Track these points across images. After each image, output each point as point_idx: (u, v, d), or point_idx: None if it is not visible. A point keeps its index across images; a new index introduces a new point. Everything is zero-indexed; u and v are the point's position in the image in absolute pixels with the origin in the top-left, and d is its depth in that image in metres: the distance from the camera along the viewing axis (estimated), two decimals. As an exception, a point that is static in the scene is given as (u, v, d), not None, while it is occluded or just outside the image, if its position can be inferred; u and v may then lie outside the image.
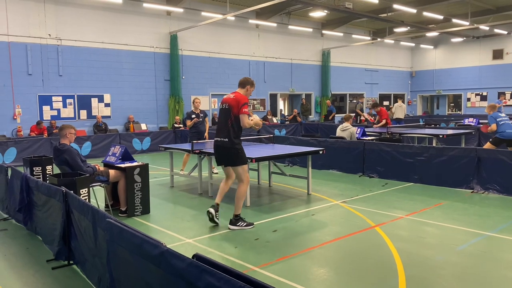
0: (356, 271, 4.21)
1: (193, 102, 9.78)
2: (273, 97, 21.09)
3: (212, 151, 7.57)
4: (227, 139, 5.42)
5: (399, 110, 18.07)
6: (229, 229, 5.53)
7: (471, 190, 7.61)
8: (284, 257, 4.56)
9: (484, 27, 19.85)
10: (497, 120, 8.97)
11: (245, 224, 5.58)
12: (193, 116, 9.59)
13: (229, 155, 5.51)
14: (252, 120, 5.56)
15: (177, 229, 5.65)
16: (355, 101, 23.16)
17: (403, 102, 18.95)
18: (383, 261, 4.43)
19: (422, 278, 3.99)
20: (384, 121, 13.36)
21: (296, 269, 4.27)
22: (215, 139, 5.62)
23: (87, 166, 5.84)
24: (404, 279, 3.94)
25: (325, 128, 16.80)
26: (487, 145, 9.12)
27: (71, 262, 4.33)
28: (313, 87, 22.52)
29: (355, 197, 7.35)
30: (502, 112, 9.23)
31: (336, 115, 22.89)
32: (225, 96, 5.67)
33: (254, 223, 5.69)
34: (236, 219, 5.58)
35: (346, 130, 10.45)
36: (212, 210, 5.61)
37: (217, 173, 9.40)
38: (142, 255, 2.73)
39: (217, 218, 5.63)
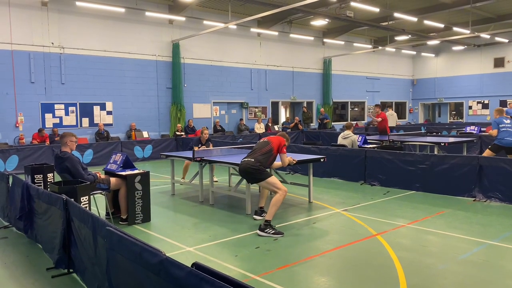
0: (357, 280, 4.18)
1: (202, 133, 9.81)
2: (275, 105, 21.13)
3: (213, 158, 7.61)
4: (252, 160, 5.82)
5: (391, 118, 18.25)
6: (258, 234, 5.57)
7: (473, 199, 7.57)
8: (285, 265, 4.53)
9: (485, 36, 19.89)
10: (500, 126, 8.88)
11: (273, 231, 5.59)
12: (200, 145, 9.64)
13: (252, 173, 5.84)
14: (288, 158, 6.18)
15: (177, 237, 5.63)
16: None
17: (393, 110, 19.28)
18: (385, 269, 4.40)
19: (424, 287, 3.96)
20: (380, 119, 13.41)
21: (297, 278, 4.24)
22: (243, 159, 6.00)
23: (88, 174, 5.85)
24: (405, 288, 3.91)
25: (327, 136, 16.80)
26: (487, 152, 9.08)
27: (71, 270, 4.31)
28: (315, 95, 22.56)
29: (357, 205, 7.33)
30: (508, 119, 9.11)
31: (338, 123, 22.96)
32: (274, 136, 6.25)
33: (283, 233, 5.64)
34: (265, 225, 5.62)
35: (347, 138, 10.44)
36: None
37: (216, 181, 9.39)
38: (141, 264, 2.72)
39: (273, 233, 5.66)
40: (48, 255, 4.78)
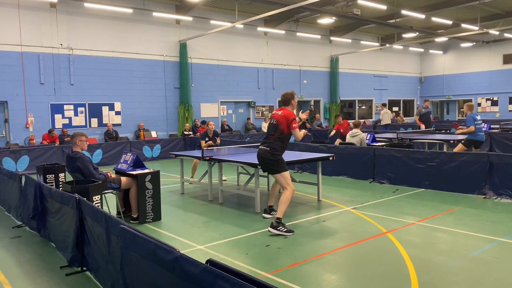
0: (368, 278, 4.19)
1: (207, 125, 9.85)
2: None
3: (222, 158, 7.65)
4: (268, 148, 5.78)
5: (386, 116, 18.26)
6: (269, 232, 5.60)
7: (483, 196, 7.53)
8: (296, 263, 4.55)
9: (494, 32, 19.73)
10: (475, 122, 9.22)
11: (285, 229, 5.61)
12: (207, 139, 9.66)
13: (269, 164, 5.84)
14: (302, 131, 5.95)
15: (188, 235, 5.68)
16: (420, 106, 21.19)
17: (388, 109, 19.52)
18: (395, 267, 4.41)
19: (435, 285, 3.96)
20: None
21: (308, 275, 4.26)
22: (259, 147, 5.97)
23: (99, 174, 5.91)
24: (417, 286, 3.91)
25: (335, 134, 16.73)
26: (459, 147, 9.37)
27: (84, 268, 4.37)
28: (322, 93, 22.52)
29: (366, 203, 7.32)
30: (479, 114, 9.65)
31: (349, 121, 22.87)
32: (273, 112, 6.07)
33: (294, 231, 5.68)
34: (277, 223, 5.63)
35: (356, 136, 10.43)
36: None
37: (225, 180, 9.42)
38: (155, 261, 2.75)
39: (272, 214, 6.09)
40: (61, 253, 4.84)
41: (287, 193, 5.76)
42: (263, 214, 6.53)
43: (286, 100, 5.99)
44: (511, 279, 4.07)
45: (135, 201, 6.26)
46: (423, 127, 13.84)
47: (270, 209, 6.55)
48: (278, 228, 5.59)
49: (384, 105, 19.44)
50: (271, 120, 5.96)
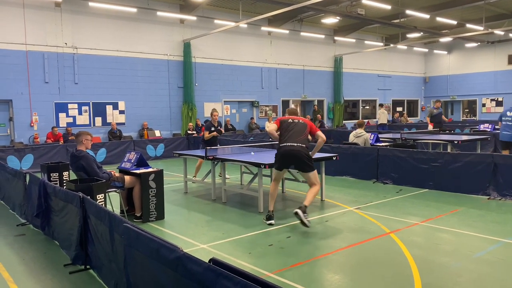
0: (371, 278, 4.18)
1: (212, 115, 9.77)
2: (286, 104, 21.10)
3: (225, 157, 7.65)
4: (304, 146, 5.95)
5: (383, 116, 18.25)
6: (296, 214, 5.64)
7: (488, 197, 7.50)
8: (299, 263, 4.55)
9: (499, 32, 19.63)
10: (503, 118, 9.90)
11: (308, 219, 5.72)
12: (212, 129, 9.61)
13: (307, 161, 5.97)
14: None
15: (191, 234, 5.68)
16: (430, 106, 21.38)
17: (385, 109, 19.74)
18: (399, 268, 4.39)
19: (439, 286, 3.94)
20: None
21: (311, 275, 4.26)
22: (290, 144, 5.93)
23: (103, 172, 5.93)
24: (420, 286, 3.90)
25: (338, 134, 16.74)
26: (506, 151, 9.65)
27: (88, 266, 4.38)
28: (326, 93, 22.49)
29: (369, 203, 7.31)
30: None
31: (349, 121, 22.87)
32: (286, 115, 6.43)
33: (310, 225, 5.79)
34: (306, 207, 5.75)
35: (360, 136, 10.40)
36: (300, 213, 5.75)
37: (228, 178, 9.42)
38: (159, 260, 2.76)
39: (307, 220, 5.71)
40: (65, 251, 4.86)
41: (318, 187, 6.09)
42: (268, 221, 6.06)
43: (295, 113, 6.53)
44: (515, 280, 4.05)
45: (138, 200, 6.27)
46: (430, 127, 13.81)
47: (270, 216, 6.12)
48: (305, 215, 5.66)
49: (381, 105, 19.55)
50: (294, 120, 6.16)
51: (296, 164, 6.08)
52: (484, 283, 4.02)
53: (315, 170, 6.08)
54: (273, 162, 6.23)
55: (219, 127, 9.75)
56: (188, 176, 8.78)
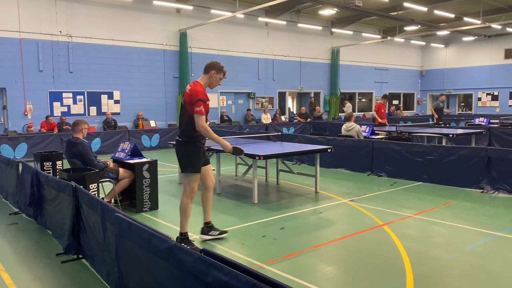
0: (363, 270, 4.20)
1: None
2: (282, 95, 21.07)
3: (220, 148, 7.61)
4: (181, 139, 4.58)
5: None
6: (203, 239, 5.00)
7: (481, 190, 7.54)
8: (291, 254, 4.56)
9: (496, 26, 19.62)
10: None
11: (218, 233, 5.06)
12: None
13: (179, 159, 4.64)
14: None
15: (185, 225, 5.66)
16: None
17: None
18: (391, 260, 4.42)
19: (430, 277, 3.97)
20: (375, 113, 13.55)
21: (303, 266, 4.27)
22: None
23: (98, 161, 5.93)
24: (412, 278, 3.92)
25: (334, 126, 16.74)
26: None
27: (80, 256, 4.37)
28: (322, 85, 22.44)
29: (363, 195, 7.33)
30: None
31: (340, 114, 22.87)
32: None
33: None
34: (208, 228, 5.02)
35: (352, 129, 10.39)
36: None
37: (214, 169, 9.40)
38: (150, 250, 2.75)
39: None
40: (57, 241, 4.85)
41: (183, 198, 4.73)
42: (204, 236, 5.02)
43: (206, 67, 4.61)
44: (505, 272, 4.09)
45: (123, 188, 6.25)
46: (435, 118, 14.44)
47: (208, 228, 5.10)
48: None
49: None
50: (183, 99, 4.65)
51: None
52: (476, 275, 4.05)
53: (191, 175, 4.67)
54: (193, 163, 4.61)
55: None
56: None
